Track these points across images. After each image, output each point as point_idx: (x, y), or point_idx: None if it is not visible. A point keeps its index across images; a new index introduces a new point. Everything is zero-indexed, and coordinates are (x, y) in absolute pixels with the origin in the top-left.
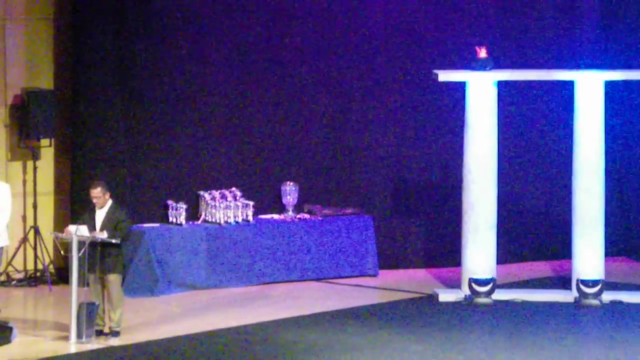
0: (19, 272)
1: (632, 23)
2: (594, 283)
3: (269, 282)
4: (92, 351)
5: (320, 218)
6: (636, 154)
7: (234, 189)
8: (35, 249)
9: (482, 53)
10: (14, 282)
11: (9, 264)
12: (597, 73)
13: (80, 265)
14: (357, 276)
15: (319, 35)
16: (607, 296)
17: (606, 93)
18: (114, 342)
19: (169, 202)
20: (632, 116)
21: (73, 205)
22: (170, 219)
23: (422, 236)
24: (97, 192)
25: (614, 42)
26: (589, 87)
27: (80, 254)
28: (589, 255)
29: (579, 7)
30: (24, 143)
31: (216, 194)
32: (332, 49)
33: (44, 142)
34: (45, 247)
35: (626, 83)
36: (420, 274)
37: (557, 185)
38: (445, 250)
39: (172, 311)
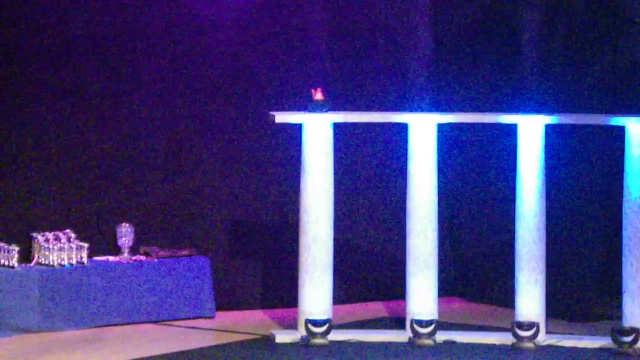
0: None
1: (463, 67)
2: (428, 323)
3: (104, 324)
4: None
5: (156, 260)
6: (466, 195)
7: (68, 230)
8: None
9: (318, 95)
10: None
11: None
12: (430, 115)
13: None
14: (194, 318)
15: (154, 73)
16: (441, 336)
17: (444, 136)
18: None
19: (0, 244)
20: (464, 159)
21: None
22: (2, 261)
23: (259, 277)
24: None
25: (445, 86)
26: (422, 130)
27: None
28: (422, 295)
29: (411, 51)
30: None
31: (50, 235)
32: (167, 87)
33: None
34: None
35: (457, 126)
36: (258, 314)
37: (391, 226)
38: (282, 290)
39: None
